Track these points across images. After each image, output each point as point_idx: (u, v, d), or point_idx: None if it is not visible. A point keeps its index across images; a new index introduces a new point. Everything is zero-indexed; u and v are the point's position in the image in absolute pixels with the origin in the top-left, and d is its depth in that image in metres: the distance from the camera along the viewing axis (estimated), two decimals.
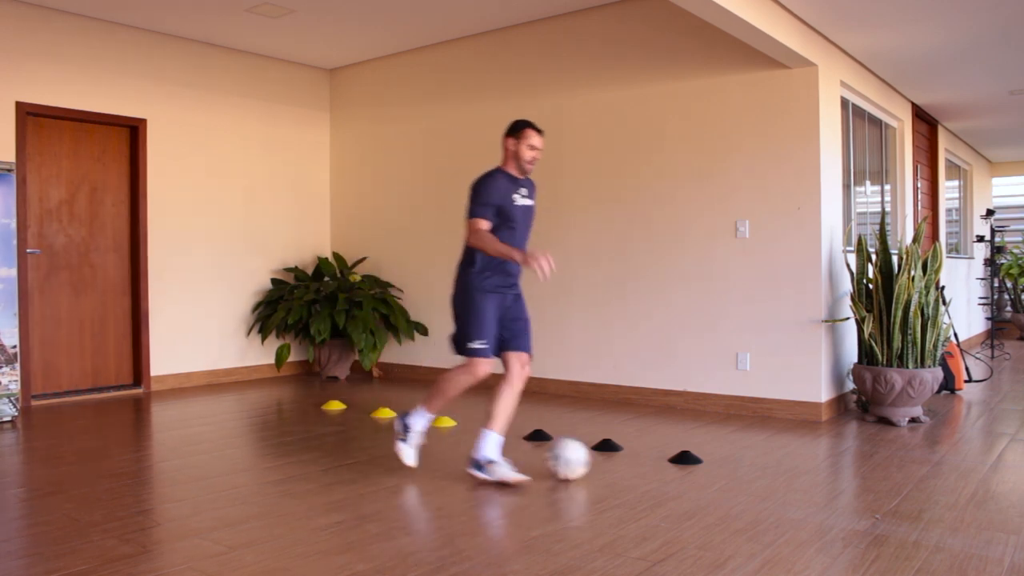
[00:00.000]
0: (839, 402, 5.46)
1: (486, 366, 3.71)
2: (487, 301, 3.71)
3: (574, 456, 3.72)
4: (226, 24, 6.43)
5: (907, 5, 4.92)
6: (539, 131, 3.87)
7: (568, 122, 6.23)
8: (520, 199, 3.83)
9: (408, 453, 3.87)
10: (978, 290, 10.64)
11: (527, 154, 3.82)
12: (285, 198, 7.58)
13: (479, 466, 3.68)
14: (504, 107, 6.60)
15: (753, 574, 2.60)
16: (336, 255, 7.66)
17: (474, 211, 3.68)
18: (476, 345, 3.68)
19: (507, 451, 4.35)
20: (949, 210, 9.96)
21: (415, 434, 3.89)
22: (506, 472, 3.63)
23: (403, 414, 3.93)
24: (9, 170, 5.24)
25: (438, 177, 7.08)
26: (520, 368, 3.82)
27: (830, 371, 5.32)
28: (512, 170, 3.85)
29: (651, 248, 5.82)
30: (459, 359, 3.80)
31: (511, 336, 3.82)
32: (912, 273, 5.13)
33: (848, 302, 5.46)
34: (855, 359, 5.59)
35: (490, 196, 3.70)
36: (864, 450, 4.41)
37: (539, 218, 6.41)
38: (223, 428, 5.10)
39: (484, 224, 3.66)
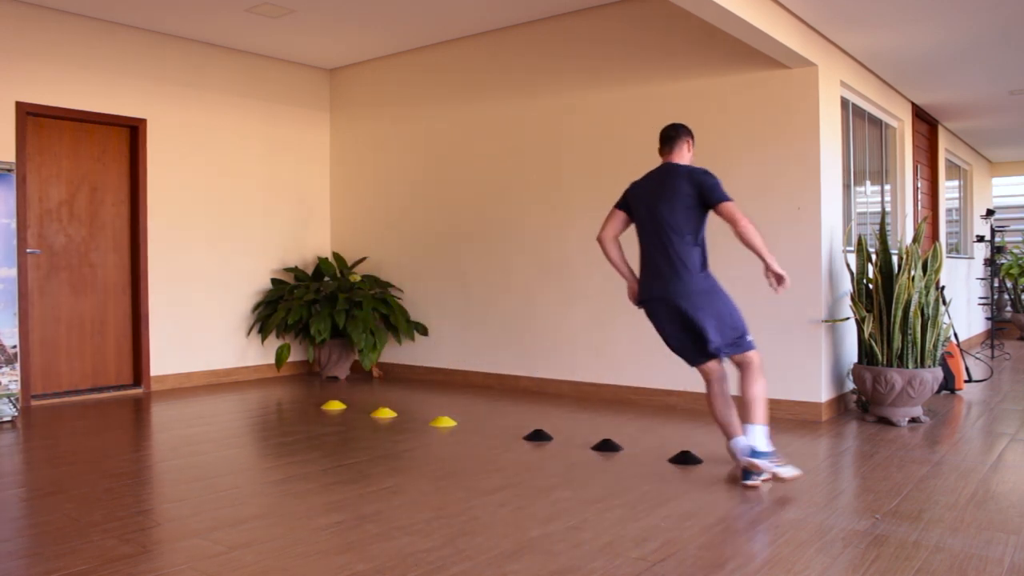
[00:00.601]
0: (839, 402, 5.46)
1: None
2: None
3: None
4: (226, 24, 6.43)
5: (907, 5, 4.92)
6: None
7: (568, 122, 6.23)
8: None
9: (787, 470, 3.62)
10: (978, 290, 10.64)
11: None
12: (285, 198, 7.58)
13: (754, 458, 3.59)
14: (504, 107, 6.60)
15: (753, 574, 2.60)
16: (336, 255, 7.66)
17: (729, 194, 3.67)
18: (750, 336, 3.77)
19: (507, 451, 4.35)
20: (949, 210, 9.96)
21: (771, 455, 3.64)
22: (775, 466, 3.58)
23: (748, 453, 3.63)
24: (9, 170, 5.24)
25: (438, 177, 7.08)
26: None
27: (830, 371, 5.31)
28: None
29: None
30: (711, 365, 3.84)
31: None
32: (912, 273, 5.12)
33: (848, 302, 5.46)
34: (855, 359, 5.59)
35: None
36: (864, 450, 4.41)
37: (539, 218, 6.45)
38: (223, 428, 5.10)
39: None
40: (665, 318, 3.87)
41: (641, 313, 5.93)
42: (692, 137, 3.95)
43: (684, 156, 3.89)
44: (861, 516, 3.21)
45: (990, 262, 9.64)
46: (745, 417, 3.70)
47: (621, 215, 3.99)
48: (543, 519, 3.19)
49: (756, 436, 3.63)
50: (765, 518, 3.18)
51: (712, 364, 3.81)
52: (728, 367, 3.87)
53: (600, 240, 4.00)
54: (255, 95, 7.31)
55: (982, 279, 10.76)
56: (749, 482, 3.60)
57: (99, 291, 6.38)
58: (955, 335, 6.96)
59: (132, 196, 6.54)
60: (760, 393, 3.71)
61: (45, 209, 6.08)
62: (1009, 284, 11.52)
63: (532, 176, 6.45)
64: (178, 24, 6.42)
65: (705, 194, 3.68)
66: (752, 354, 3.76)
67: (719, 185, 3.68)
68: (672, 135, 3.92)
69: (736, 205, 3.64)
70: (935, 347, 5.18)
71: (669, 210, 3.74)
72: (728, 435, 3.77)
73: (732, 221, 3.60)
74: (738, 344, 3.75)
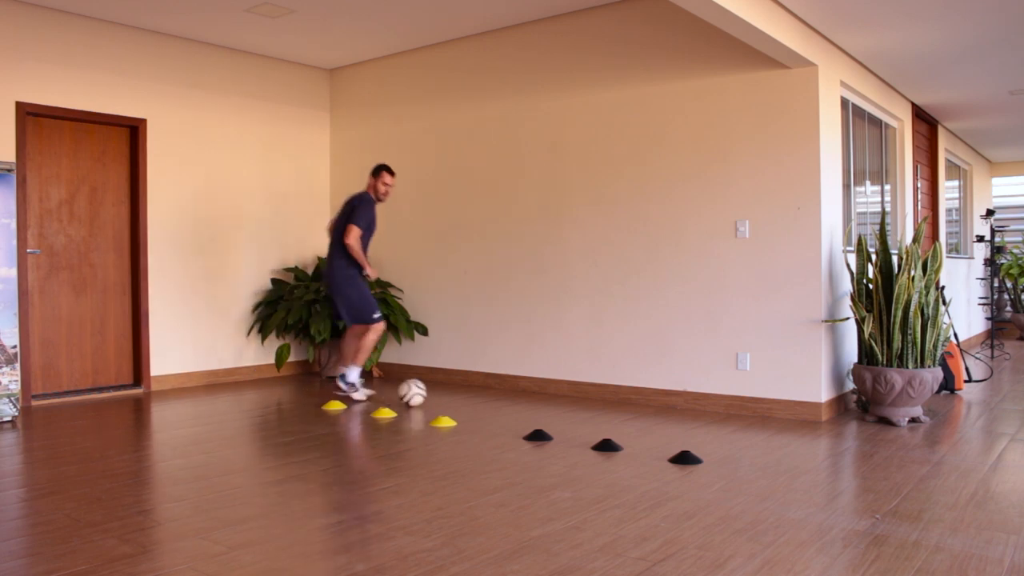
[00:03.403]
0: (839, 402, 5.46)
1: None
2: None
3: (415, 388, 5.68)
4: (226, 24, 6.43)
5: (907, 5, 4.92)
6: (392, 173, 6.02)
7: (568, 122, 6.23)
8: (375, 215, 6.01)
9: (361, 393, 5.96)
10: (978, 290, 10.64)
11: (381, 189, 5.97)
12: (285, 198, 7.58)
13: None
14: (504, 107, 6.60)
15: (753, 574, 2.61)
16: None
17: (353, 220, 5.80)
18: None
19: (507, 451, 4.35)
20: (949, 210, 9.96)
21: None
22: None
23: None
24: (9, 170, 5.24)
25: (438, 177, 7.08)
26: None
27: (830, 371, 5.32)
28: (374, 196, 6.01)
29: (651, 248, 5.82)
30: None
31: None
32: (912, 273, 5.13)
33: (848, 302, 5.46)
34: (855, 359, 5.59)
35: (367, 212, 5.89)
36: (864, 450, 4.41)
37: (539, 218, 6.46)
38: (223, 428, 5.10)
39: (356, 232, 5.80)
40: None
41: (641, 313, 5.97)
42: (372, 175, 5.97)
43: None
44: (861, 516, 3.21)
45: (990, 262, 9.65)
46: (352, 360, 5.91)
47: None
48: (543, 519, 3.19)
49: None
50: (765, 518, 3.18)
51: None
52: None
53: None
54: (255, 95, 7.31)
55: (982, 279, 10.76)
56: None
57: (99, 291, 6.38)
58: (955, 335, 6.96)
59: (132, 196, 6.54)
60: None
61: (45, 209, 6.08)
62: (1009, 284, 11.52)
63: (532, 176, 6.45)
64: (178, 24, 6.42)
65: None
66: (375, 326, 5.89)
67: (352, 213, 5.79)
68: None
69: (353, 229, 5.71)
70: (935, 347, 5.18)
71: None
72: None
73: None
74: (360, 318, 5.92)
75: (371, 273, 5.88)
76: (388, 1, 5.89)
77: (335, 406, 5.74)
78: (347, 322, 5.94)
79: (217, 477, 3.85)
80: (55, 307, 6.12)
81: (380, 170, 5.93)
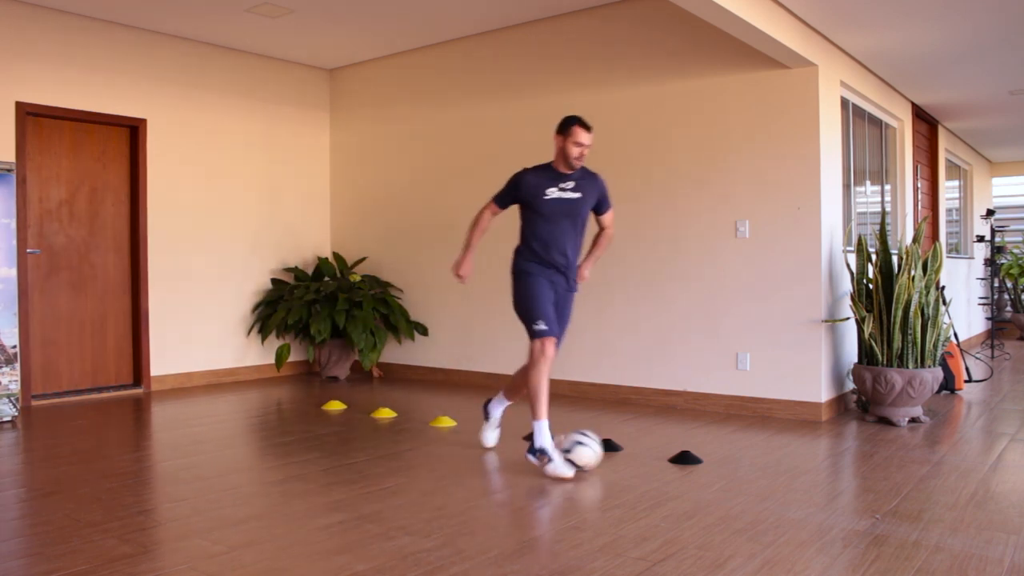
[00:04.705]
0: (839, 402, 5.46)
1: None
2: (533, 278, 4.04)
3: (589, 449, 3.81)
4: (226, 24, 6.43)
5: (907, 5, 4.92)
6: (587, 128, 4.02)
7: None
8: (558, 192, 4.01)
9: (562, 468, 3.76)
10: (978, 290, 10.64)
11: (573, 151, 3.97)
12: (285, 198, 7.58)
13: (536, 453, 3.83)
14: (503, 107, 6.60)
15: (753, 574, 2.60)
16: (336, 255, 7.66)
17: (495, 195, 4.15)
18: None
19: (508, 451, 4.35)
20: (949, 210, 9.96)
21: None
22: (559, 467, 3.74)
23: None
24: (9, 170, 5.24)
25: (438, 177, 7.08)
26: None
27: (830, 371, 5.32)
28: (559, 165, 4.05)
29: (651, 248, 5.82)
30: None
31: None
32: (912, 273, 5.12)
33: (848, 302, 5.46)
34: (855, 359, 5.59)
35: (515, 186, 4.06)
36: (864, 450, 4.41)
37: None
38: (223, 428, 5.10)
39: (493, 208, 4.14)
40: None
41: (641, 313, 5.96)
42: (556, 132, 4.06)
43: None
44: (861, 516, 3.21)
45: (990, 262, 9.64)
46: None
47: None
48: (543, 519, 3.19)
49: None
50: (765, 518, 3.18)
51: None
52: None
53: None
54: (255, 95, 7.31)
55: (982, 279, 10.75)
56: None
57: (99, 291, 6.38)
58: (955, 335, 6.96)
59: (132, 196, 6.54)
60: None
61: (45, 209, 6.08)
62: (1009, 284, 11.52)
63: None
64: (178, 24, 6.42)
65: None
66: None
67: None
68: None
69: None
70: (935, 347, 5.18)
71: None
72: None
73: None
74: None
75: (460, 270, 4.10)
76: (388, 1, 5.89)
77: (335, 406, 5.74)
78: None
79: (217, 477, 3.85)
80: (55, 307, 6.12)
81: (570, 124, 3.98)
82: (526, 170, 4.05)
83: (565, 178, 4.02)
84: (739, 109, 5.44)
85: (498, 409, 4.35)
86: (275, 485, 3.73)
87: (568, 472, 3.70)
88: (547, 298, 3.96)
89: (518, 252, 4.08)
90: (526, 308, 3.93)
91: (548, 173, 4.01)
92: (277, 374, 7.43)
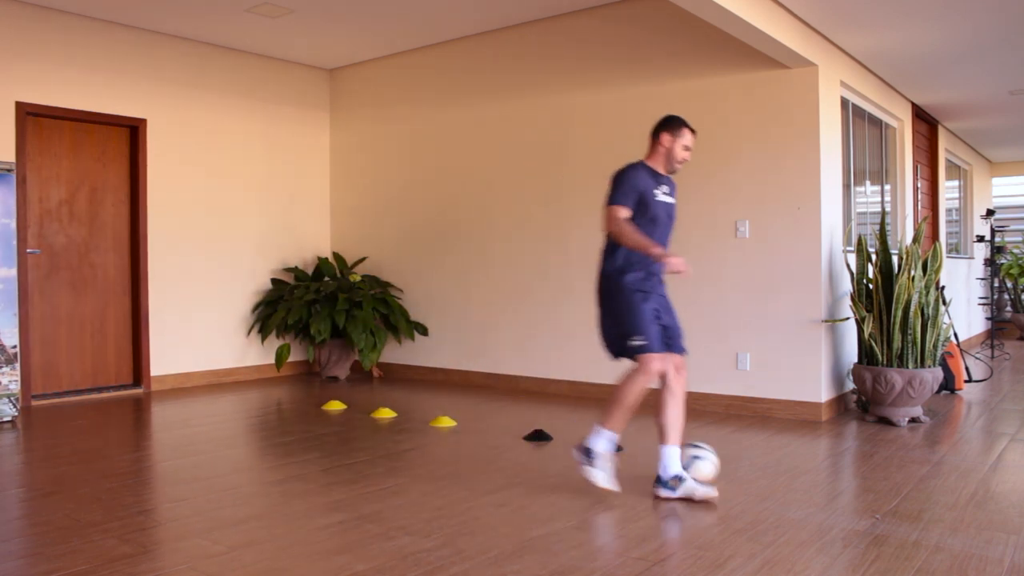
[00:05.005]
0: (839, 402, 5.46)
1: (657, 363, 3.52)
2: (636, 296, 3.52)
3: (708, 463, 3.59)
4: (226, 24, 6.43)
5: (907, 5, 4.92)
6: (694, 131, 3.71)
7: (568, 122, 6.22)
8: (661, 195, 3.60)
9: (599, 476, 3.48)
10: (978, 290, 10.64)
11: (680, 154, 3.63)
12: (285, 198, 7.57)
13: (664, 484, 3.47)
14: (504, 107, 6.60)
15: (753, 574, 2.60)
16: (336, 255, 7.66)
17: (614, 198, 3.47)
18: (638, 342, 3.46)
19: (507, 451, 4.35)
20: (949, 210, 9.96)
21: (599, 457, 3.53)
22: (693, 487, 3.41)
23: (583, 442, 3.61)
24: (9, 170, 5.24)
25: (438, 177, 7.08)
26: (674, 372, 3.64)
27: (830, 371, 5.31)
28: (657, 165, 3.64)
29: None
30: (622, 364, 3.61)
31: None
32: (912, 273, 5.12)
33: (848, 302, 5.46)
34: (855, 359, 5.59)
35: (634, 184, 3.50)
36: (864, 450, 4.41)
37: (539, 218, 6.45)
38: (223, 428, 5.10)
39: (624, 212, 3.46)
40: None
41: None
42: (664, 131, 3.66)
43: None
44: (861, 516, 3.21)
45: (990, 262, 9.64)
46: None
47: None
48: (543, 519, 3.19)
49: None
50: (765, 518, 3.18)
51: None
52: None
53: None
54: (255, 95, 7.31)
55: (982, 279, 10.75)
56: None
57: (99, 291, 6.38)
58: (955, 335, 6.96)
59: (132, 196, 6.54)
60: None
61: (45, 209, 6.08)
62: (1009, 284, 11.51)
63: (533, 176, 6.45)
64: (178, 24, 6.42)
65: None
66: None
67: (612, 187, 3.54)
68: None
69: (614, 210, 3.47)
70: (935, 347, 5.18)
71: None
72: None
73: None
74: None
75: (670, 262, 3.42)
76: (388, 1, 5.89)
77: (335, 406, 5.74)
78: (608, 353, 3.75)
79: (217, 477, 3.85)
80: (55, 307, 6.12)
81: (681, 125, 3.69)
82: (633, 165, 3.57)
83: (662, 180, 3.63)
84: (739, 109, 5.44)
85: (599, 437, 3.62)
86: (275, 485, 3.73)
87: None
88: (653, 318, 3.58)
89: (610, 259, 3.58)
90: (633, 328, 3.52)
91: (649, 172, 3.58)
92: (277, 374, 7.43)
